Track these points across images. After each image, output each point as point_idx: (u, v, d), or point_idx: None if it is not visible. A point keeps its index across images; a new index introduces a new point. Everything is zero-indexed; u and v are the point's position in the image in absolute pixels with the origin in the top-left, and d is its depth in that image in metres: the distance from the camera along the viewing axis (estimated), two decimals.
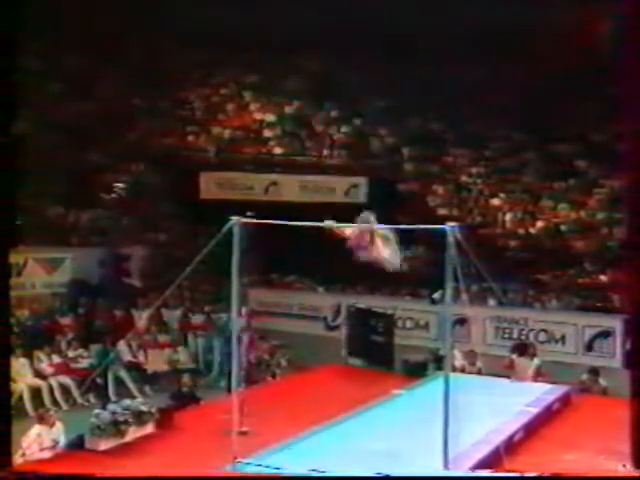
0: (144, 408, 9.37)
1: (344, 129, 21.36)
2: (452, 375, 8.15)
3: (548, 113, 19.96)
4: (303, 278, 18.31)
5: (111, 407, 9.26)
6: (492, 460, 8.29)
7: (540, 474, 7.70)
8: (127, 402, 9.56)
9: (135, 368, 13.89)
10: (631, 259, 8.36)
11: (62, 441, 9.10)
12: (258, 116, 21.53)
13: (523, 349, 13.25)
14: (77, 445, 8.84)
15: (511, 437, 9.18)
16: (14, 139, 7.45)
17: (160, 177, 19.35)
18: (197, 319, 16.02)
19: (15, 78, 7.45)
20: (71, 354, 13.50)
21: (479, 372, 12.99)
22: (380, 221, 8.13)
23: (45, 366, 12.98)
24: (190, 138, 20.72)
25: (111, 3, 20.04)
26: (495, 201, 19.56)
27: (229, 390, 9.20)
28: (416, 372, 12.78)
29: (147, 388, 13.68)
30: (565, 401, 11.46)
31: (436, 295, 14.05)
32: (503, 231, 18.77)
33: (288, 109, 21.77)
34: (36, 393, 12.50)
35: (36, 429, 9.05)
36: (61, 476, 7.61)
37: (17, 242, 9.43)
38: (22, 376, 12.46)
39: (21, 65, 7.53)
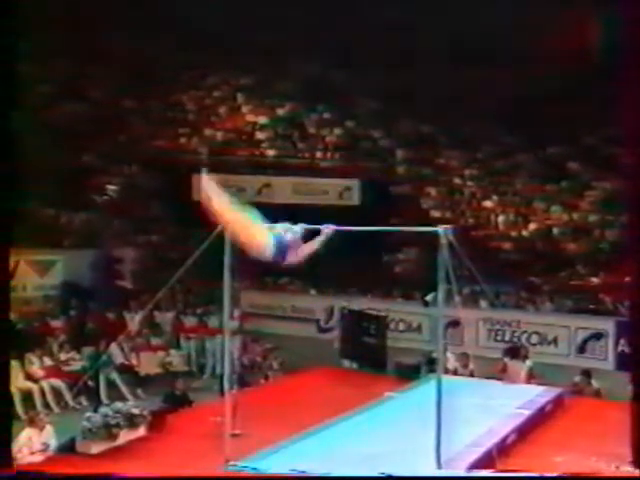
0: (136, 411, 9.32)
1: (337, 131, 21.35)
2: (445, 377, 8.14)
3: (540, 116, 20.00)
4: (296, 280, 18.29)
5: (103, 410, 9.19)
6: (485, 462, 8.28)
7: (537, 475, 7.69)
8: (119, 405, 9.50)
9: (127, 371, 13.83)
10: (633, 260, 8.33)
11: (53, 444, 9.03)
12: (251, 118, 21.52)
13: (515, 351, 13.25)
14: (68, 448, 8.78)
15: (504, 439, 9.17)
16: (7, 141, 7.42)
17: (153, 179, 19.31)
18: (190, 321, 15.97)
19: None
20: (63, 357, 13.42)
21: (471, 374, 12.97)
22: (373, 223, 8.12)
23: (36, 369, 12.91)
24: (183, 140, 20.68)
25: (104, 4, 20.05)
26: (488, 203, 19.59)
27: (222, 393, 9.16)
28: (409, 374, 12.76)
29: (139, 391, 13.61)
30: (558, 403, 11.45)
31: (429, 297, 14.03)
32: (496, 233, 18.79)
33: (281, 111, 21.76)
34: (27, 396, 12.42)
35: (26, 432, 8.98)
36: (63, 476, 7.56)
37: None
38: (13, 379, 12.37)
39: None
